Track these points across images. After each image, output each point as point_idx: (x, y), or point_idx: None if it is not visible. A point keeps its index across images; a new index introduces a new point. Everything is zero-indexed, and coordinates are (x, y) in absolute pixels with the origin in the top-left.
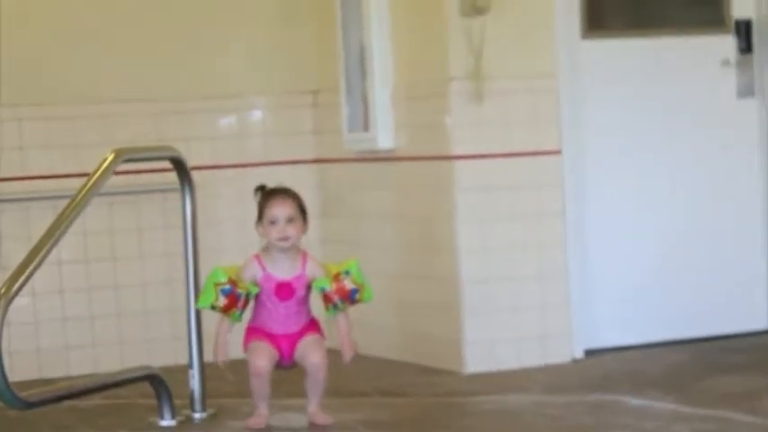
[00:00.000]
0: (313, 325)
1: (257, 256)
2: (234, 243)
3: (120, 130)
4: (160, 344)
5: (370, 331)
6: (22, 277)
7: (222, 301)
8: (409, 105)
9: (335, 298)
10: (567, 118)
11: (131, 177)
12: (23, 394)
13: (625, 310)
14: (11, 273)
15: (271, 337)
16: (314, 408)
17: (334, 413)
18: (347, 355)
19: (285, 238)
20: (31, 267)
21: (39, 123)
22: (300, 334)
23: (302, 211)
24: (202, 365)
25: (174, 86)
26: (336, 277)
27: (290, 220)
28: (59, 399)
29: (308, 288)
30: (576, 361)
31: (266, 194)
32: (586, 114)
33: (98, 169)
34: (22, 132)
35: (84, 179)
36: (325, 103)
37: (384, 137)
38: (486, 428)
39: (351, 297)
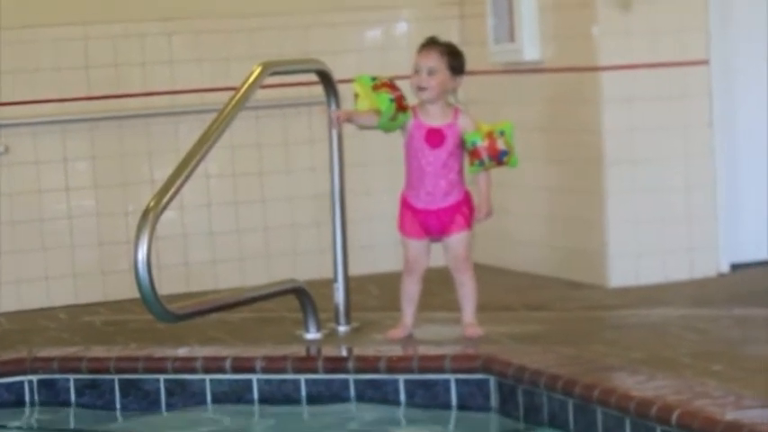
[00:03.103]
0: (463, 205)
1: (413, 107)
2: (380, 156)
3: (267, 43)
4: (306, 257)
5: (516, 245)
6: (171, 191)
7: (384, 80)
8: (555, 16)
9: (484, 154)
10: (714, 27)
11: (278, 91)
12: (172, 307)
13: None
14: (159, 186)
15: (418, 214)
16: (467, 318)
17: (480, 326)
18: (482, 214)
19: (421, 88)
20: (179, 181)
21: (187, 37)
22: (449, 216)
23: (452, 67)
24: (347, 279)
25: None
26: (489, 134)
27: (431, 72)
28: (207, 311)
29: (460, 146)
30: (721, 275)
31: (420, 45)
32: (734, 23)
33: (245, 83)
34: (171, 47)
35: (231, 93)
36: (471, 14)
37: (530, 48)
38: (631, 342)
39: (499, 157)
